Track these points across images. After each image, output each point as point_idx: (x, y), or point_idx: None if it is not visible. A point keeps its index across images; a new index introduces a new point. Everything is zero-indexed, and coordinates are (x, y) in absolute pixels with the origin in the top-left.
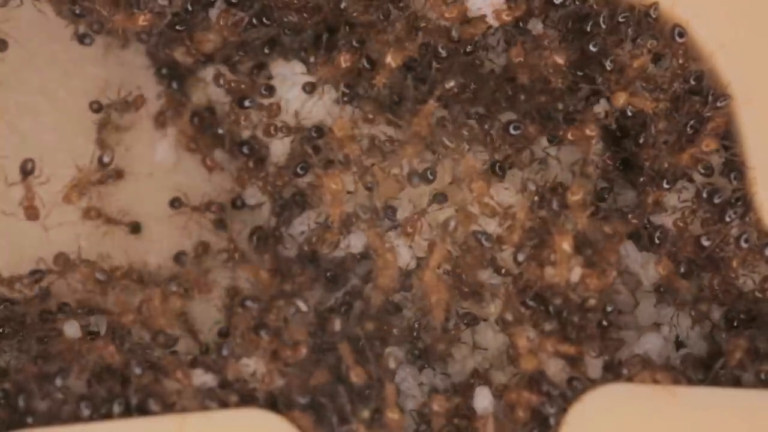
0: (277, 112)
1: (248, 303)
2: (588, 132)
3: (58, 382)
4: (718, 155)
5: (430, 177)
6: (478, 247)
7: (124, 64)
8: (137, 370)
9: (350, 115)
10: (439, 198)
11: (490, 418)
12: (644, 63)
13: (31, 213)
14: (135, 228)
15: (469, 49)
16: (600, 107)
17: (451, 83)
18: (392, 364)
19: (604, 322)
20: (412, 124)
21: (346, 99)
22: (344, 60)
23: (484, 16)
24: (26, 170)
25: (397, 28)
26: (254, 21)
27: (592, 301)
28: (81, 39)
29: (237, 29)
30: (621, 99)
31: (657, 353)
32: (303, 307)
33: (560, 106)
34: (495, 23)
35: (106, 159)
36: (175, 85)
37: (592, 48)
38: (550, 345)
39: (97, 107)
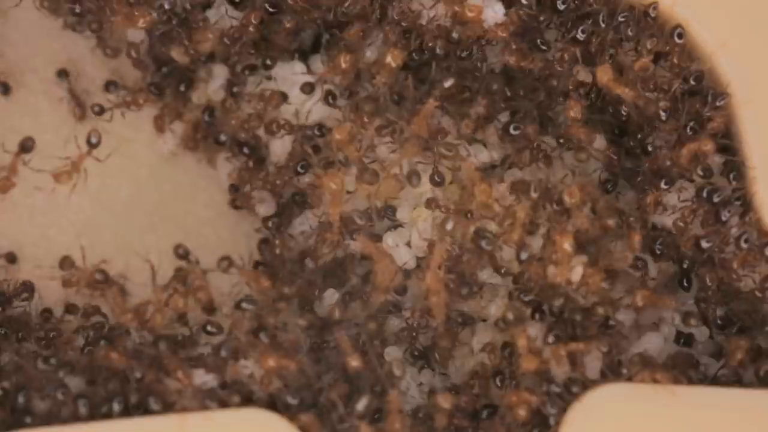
0: (279, 102)
1: (245, 305)
2: (572, 114)
3: (61, 374)
4: (718, 155)
5: (438, 180)
6: (478, 249)
7: (124, 64)
8: (137, 374)
9: (345, 112)
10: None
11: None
12: (646, 64)
13: (4, 185)
14: None
15: (464, 53)
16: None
17: (450, 83)
18: (397, 371)
19: (611, 322)
20: (411, 123)
21: (331, 100)
22: (344, 61)
23: (481, 20)
24: (25, 147)
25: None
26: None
27: (600, 309)
28: (74, 27)
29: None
30: (606, 75)
31: (657, 353)
32: (302, 323)
33: (555, 82)
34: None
35: (93, 140)
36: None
37: (580, 34)
38: (563, 350)
39: (98, 110)
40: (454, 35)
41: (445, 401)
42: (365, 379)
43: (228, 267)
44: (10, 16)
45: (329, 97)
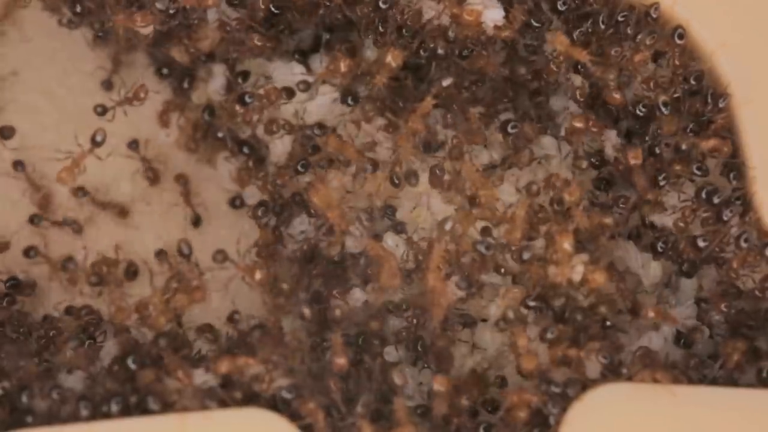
0: (278, 96)
1: (237, 317)
2: (576, 124)
3: (62, 378)
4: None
5: (439, 172)
6: (479, 255)
7: (125, 63)
8: (133, 366)
9: (354, 113)
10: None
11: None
12: (645, 57)
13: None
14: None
15: (465, 53)
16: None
17: (449, 81)
18: (399, 381)
19: (608, 323)
20: (408, 120)
21: (351, 102)
22: (344, 64)
23: (480, 23)
24: (4, 135)
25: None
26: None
27: (602, 309)
28: (69, 24)
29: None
30: (561, 42)
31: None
32: (307, 313)
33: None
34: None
35: (98, 138)
36: (186, 84)
37: (561, 6)
38: (561, 352)
39: (101, 110)
40: (450, 34)
41: (440, 385)
42: (365, 379)
43: (223, 260)
44: (10, 16)
45: (348, 98)
